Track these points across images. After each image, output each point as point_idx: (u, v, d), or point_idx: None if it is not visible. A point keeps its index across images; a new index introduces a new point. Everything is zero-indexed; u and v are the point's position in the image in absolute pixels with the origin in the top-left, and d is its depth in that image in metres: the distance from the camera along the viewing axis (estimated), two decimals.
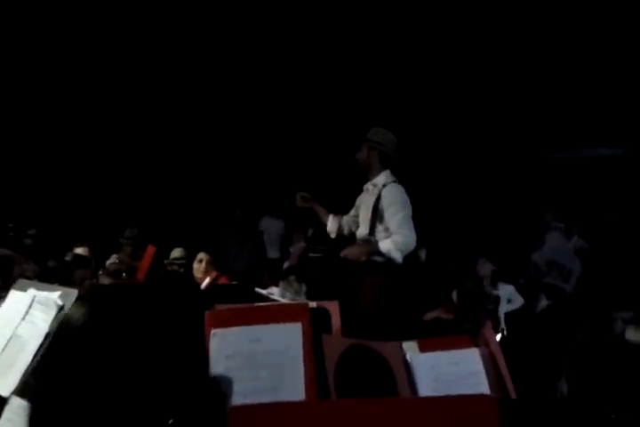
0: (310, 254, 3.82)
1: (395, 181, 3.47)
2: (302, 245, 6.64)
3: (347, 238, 3.68)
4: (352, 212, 3.74)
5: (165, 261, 4.80)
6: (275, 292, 3.45)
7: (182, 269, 4.66)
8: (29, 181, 6.78)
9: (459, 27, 5.87)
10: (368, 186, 3.57)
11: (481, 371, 1.39)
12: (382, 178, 3.49)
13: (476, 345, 1.44)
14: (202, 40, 6.03)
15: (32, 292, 1.72)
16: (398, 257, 3.29)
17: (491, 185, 7.12)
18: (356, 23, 5.83)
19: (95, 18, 5.76)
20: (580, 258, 5.85)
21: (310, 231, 6.73)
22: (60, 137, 6.78)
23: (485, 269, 4.71)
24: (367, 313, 3.07)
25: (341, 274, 3.80)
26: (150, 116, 6.83)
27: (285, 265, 6.25)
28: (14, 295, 1.76)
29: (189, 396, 0.68)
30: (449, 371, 1.38)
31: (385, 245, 3.32)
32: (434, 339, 1.46)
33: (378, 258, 3.31)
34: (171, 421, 0.63)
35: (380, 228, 3.40)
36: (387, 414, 0.70)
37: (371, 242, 3.38)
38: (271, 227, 7.13)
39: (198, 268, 4.50)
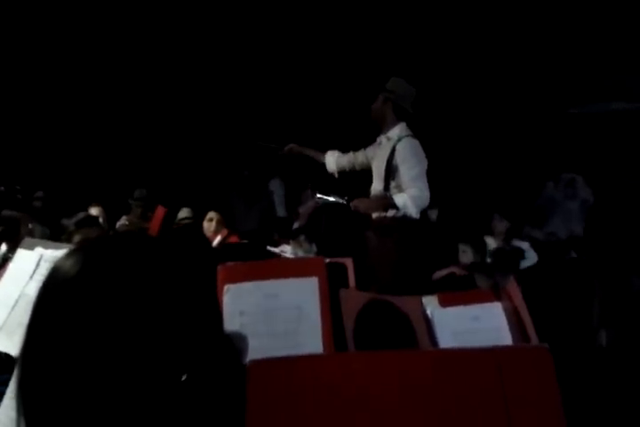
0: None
1: (410, 135, 3.31)
2: (311, 204, 6.58)
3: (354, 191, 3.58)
4: (359, 156, 3.59)
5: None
6: (287, 250, 3.41)
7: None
8: (38, 142, 6.72)
9: None
10: (381, 139, 3.41)
11: (504, 326, 1.34)
12: (397, 131, 3.33)
13: (498, 299, 1.38)
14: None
15: (39, 250, 1.68)
16: (414, 212, 3.20)
17: (504, 140, 6.98)
18: None
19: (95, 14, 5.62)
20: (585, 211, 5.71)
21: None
22: (69, 97, 6.67)
23: (501, 226, 4.63)
24: (381, 270, 3.01)
25: (353, 231, 3.74)
26: (161, 80, 6.70)
27: (295, 225, 6.22)
28: (21, 254, 1.73)
29: (203, 352, 0.62)
30: (470, 326, 1.33)
31: (400, 198, 3.21)
32: (454, 293, 1.41)
33: (392, 213, 3.22)
34: (184, 377, 0.58)
35: (393, 183, 3.29)
36: (422, 367, 0.65)
37: (386, 196, 3.29)
38: (278, 187, 7.06)
39: (208, 227, 4.45)
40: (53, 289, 0.62)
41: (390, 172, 3.27)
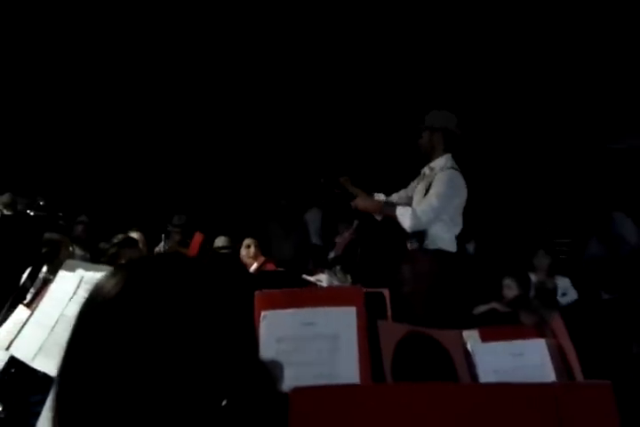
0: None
1: (453, 168, 3.24)
2: (348, 235, 6.56)
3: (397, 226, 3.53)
4: (401, 193, 3.54)
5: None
6: (322, 279, 3.38)
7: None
8: (81, 168, 6.92)
9: (512, 11, 5.67)
10: (425, 170, 3.37)
11: (548, 363, 1.29)
12: (442, 162, 3.28)
13: (542, 335, 1.33)
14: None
15: (80, 272, 1.70)
16: (408, 225, 3.09)
17: (548, 175, 6.87)
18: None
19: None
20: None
21: (355, 223, 6.64)
22: (110, 124, 6.89)
23: (544, 261, 4.54)
24: (416, 302, 2.94)
25: (388, 262, 3.69)
26: (199, 104, 6.86)
27: (331, 255, 6.20)
28: (63, 276, 1.75)
29: (241, 377, 0.61)
30: (513, 362, 1.28)
31: (401, 209, 3.14)
32: (496, 328, 1.36)
33: (429, 245, 3.16)
34: (224, 402, 0.56)
35: None
36: (476, 402, 0.62)
37: (388, 202, 3.24)
38: (314, 216, 7.07)
39: (247, 253, 4.47)
40: (94, 308, 0.62)
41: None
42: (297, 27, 6.02)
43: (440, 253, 3.13)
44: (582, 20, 5.62)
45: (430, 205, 3.09)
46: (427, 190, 3.20)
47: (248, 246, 4.52)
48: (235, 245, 4.75)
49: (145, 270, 0.64)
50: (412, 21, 5.87)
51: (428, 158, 3.37)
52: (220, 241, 5.01)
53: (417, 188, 3.37)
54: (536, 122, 6.72)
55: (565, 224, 6.50)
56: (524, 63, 6.22)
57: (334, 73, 6.45)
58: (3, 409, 1.54)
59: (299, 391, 0.60)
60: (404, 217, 3.11)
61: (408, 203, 3.40)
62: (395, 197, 3.55)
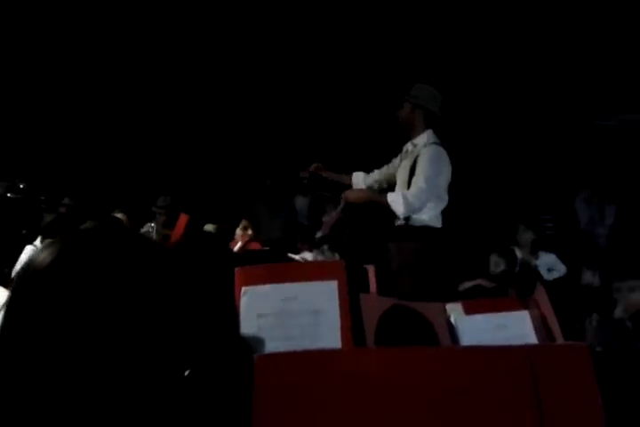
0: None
1: (436, 143, 3.21)
2: (335, 214, 6.54)
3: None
4: (384, 169, 3.51)
5: None
6: (307, 257, 3.37)
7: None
8: (63, 151, 6.82)
9: None
10: (407, 146, 3.34)
11: (531, 335, 1.29)
12: (424, 138, 3.25)
13: (525, 308, 1.33)
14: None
15: None
16: (401, 211, 3.07)
17: (527, 151, 6.89)
18: None
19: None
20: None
21: (342, 202, 6.61)
22: (92, 104, 6.78)
23: (526, 237, 4.55)
24: (402, 278, 2.95)
25: (376, 241, 3.69)
26: (184, 87, 6.77)
27: (318, 235, 6.19)
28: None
29: (210, 349, 0.59)
30: (496, 334, 1.28)
31: (393, 194, 3.13)
32: (480, 301, 1.36)
33: (415, 222, 3.15)
34: (186, 372, 0.54)
35: None
36: (452, 364, 0.61)
37: (375, 190, 3.22)
38: (302, 197, 7.04)
39: (243, 234, 4.45)
40: (27, 279, 0.59)
41: (411, 178, 3.17)
42: (275, 13, 5.94)
43: (425, 229, 3.13)
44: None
45: (419, 188, 3.08)
46: (412, 168, 3.18)
47: (245, 228, 4.49)
48: (226, 225, 4.72)
49: (78, 241, 0.62)
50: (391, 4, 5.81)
51: (405, 131, 3.34)
52: (208, 228, 4.98)
53: (401, 164, 3.34)
54: (521, 99, 6.70)
55: (550, 201, 6.53)
56: (508, 39, 6.18)
57: (311, 55, 6.37)
58: None
59: (263, 358, 0.58)
60: (396, 204, 3.09)
61: (391, 180, 3.38)
62: (376, 175, 3.53)
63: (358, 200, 3.26)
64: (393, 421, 0.62)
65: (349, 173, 3.61)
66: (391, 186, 3.44)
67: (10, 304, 0.59)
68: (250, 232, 4.44)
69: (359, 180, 3.59)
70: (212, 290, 0.67)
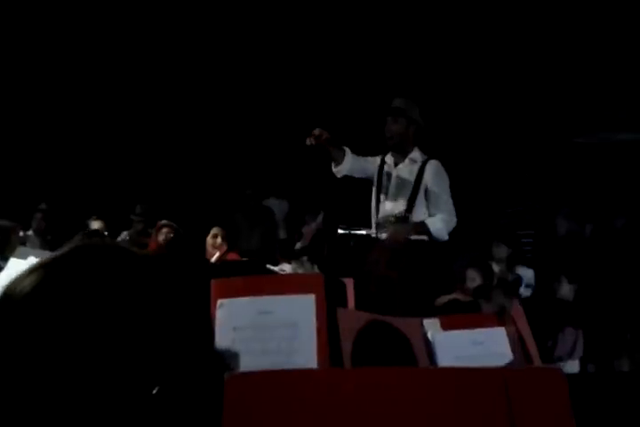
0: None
1: (433, 158, 3.35)
2: (315, 225, 6.54)
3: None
4: (370, 165, 3.49)
5: None
6: (286, 268, 3.35)
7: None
8: (40, 155, 6.72)
9: (480, 7, 5.70)
10: (399, 159, 3.38)
11: (508, 351, 1.29)
12: (418, 154, 3.36)
13: (502, 324, 1.33)
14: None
15: (32, 260, 1.65)
16: (445, 236, 3.23)
17: (509, 167, 6.97)
18: None
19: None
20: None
21: (321, 214, 6.60)
22: (72, 111, 6.71)
23: (501, 252, 4.58)
24: (381, 292, 2.95)
25: (355, 253, 3.68)
26: (162, 94, 6.74)
27: (298, 246, 6.17)
28: (14, 263, 1.69)
29: (182, 365, 0.57)
30: (473, 351, 1.27)
31: (434, 223, 3.21)
32: (457, 316, 1.36)
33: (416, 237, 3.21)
34: (155, 390, 0.53)
35: (419, 205, 3.26)
36: (427, 384, 0.60)
37: (415, 222, 3.25)
38: (276, 207, 7.01)
39: (213, 243, 4.37)
40: (7, 306, 0.57)
41: (417, 193, 3.26)
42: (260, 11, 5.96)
43: (412, 242, 3.17)
44: (552, 12, 5.68)
45: (449, 210, 3.25)
46: (416, 183, 3.26)
47: (215, 236, 4.43)
48: (201, 234, 4.65)
49: (63, 264, 0.60)
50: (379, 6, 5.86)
51: (391, 144, 3.36)
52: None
53: (393, 176, 3.35)
54: (503, 116, 6.79)
55: (531, 217, 6.60)
56: (492, 57, 6.27)
57: (300, 65, 6.40)
58: None
59: (234, 378, 0.57)
60: (440, 230, 3.22)
61: (361, 174, 3.44)
62: (361, 162, 3.49)
63: (403, 236, 3.25)
64: None
65: (342, 148, 3.48)
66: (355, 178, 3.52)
67: None
68: (219, 240, 4.36)
69: (350, 158, 3.47)
70: (187, 302, 0.65)
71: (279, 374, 0.60)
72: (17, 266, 1.67)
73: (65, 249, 0.66)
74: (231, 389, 0.54)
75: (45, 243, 5.33)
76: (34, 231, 5.49)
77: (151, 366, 0.55)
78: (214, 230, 4.47)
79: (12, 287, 0.58)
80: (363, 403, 0.59)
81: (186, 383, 0.56)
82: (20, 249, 1.75)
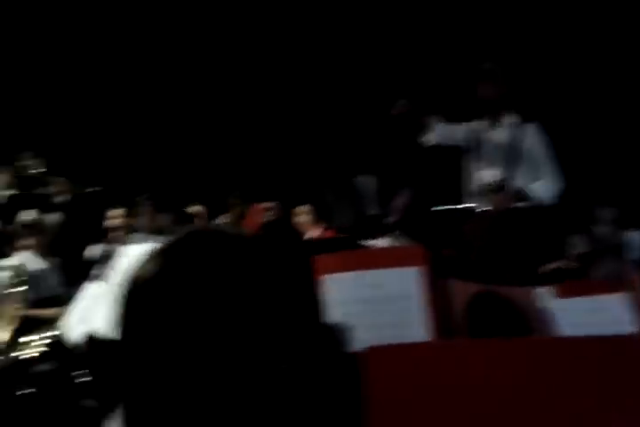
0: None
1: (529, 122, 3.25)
2: (404, 199, 6.44)
3: None
4: (461, 130, 3.38)
5: None
6: (383, 243, 3.34)
7: None
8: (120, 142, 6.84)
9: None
10: (496, 124, 3.25)
11: (629, 319, 1.22)
12: (514, 116, 3.25)
13: (621, 290, 1.26)
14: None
15: (149, 244, 1.73)
16: (551, 201, 3.16)
17: (609, 127, 6.50)
18: None
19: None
20: None
21: (409, 190, 6.49)
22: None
23: (606, 214, 4.30)
24: (482, 262, 2.88)
25: (449, 224, 3.59)
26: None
27: (389, 220, 6.12)
28: (130, 249, 1.78)
29: (303, 342, 0.58)
30: (591, 318, 1.21)
31: (538, 190, 3.12)
32: (571, 283, 1.30)
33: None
34: (284, 367, 0.54)
35: (520, 171, 3.14)
36: (547, 356, 0.58)
37: (515, 190, 3.15)
38: (364, 184, 6.95)
39: (305, 221, 4.39)
40: (131, 293, 0.60)
41: (518, 157, 3.15)
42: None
43: (513, 211, 3.07)
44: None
45: (554, 174, 3.16)
46: (515, 147, 3.16)
47: (306, 214, 4.46)
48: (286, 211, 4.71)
49: (180, 249, 0.62)
50: None
51: (485, 107, 3.23)
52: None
53: (486, 139, 3.25)
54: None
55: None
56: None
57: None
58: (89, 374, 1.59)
59: (375, 351, 0.57)
60: (545, 196, 3.15)
61: (469, 140, 3.31)
62: (459, 132, 3.39)
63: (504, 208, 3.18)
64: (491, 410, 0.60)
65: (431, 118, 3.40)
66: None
67: (122, 317, 0.60)
68: (311, 218, 4.38)
69: (437, 130, 3.39)
70: (296, 280, 0.66)
71: (416, 346, 0.60)
72: (133, 251, 1.76)
73: (179, 235, 0.68)
74: (373, 361, 0.55)
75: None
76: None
77: (272, 344, 0.56)
78: (304, 208, 4.50)
79: (135, 274, 0.62)
80: (492, 374, 0.58)
81: (312, 359, 0.57)
82: (135, 236, 1.84)
